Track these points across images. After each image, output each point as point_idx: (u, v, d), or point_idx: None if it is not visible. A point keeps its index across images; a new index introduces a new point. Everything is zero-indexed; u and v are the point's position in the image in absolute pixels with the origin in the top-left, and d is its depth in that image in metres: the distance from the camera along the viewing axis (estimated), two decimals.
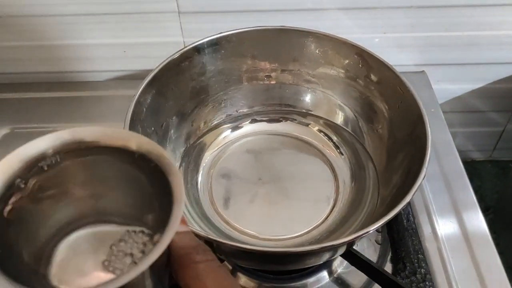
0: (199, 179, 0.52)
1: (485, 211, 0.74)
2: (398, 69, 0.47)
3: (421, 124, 0.43)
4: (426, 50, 0.65)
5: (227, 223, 0.48)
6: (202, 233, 0.35)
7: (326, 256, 0.41)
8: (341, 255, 0.45)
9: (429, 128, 0.42)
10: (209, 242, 0.35)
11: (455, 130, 0.75)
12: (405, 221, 0.50)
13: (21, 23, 0.61)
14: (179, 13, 0.60)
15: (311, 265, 0.46)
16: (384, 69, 0.48)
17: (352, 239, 0.36)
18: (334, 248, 0.38)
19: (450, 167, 0.57)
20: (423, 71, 0.68)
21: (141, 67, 0.67)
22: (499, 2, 0.60)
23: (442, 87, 0.69)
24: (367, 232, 0.36)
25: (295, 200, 0.50)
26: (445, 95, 0.71)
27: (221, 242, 0.35)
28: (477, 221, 0.52)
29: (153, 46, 0.64)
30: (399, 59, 0.66)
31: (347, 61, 0.51)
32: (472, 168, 0.79)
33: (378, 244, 0.50)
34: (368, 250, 0.50)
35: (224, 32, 0.50)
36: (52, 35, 0.63)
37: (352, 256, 0.45)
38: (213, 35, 0.50)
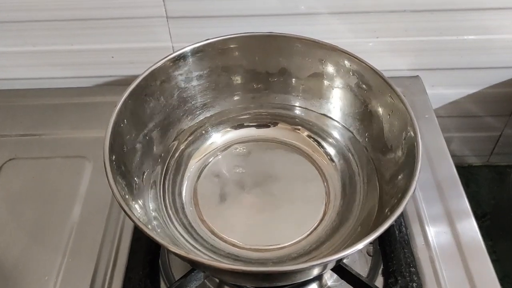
0: (184, 187, 0.50)
1: (482, 217, 0.73)
2: (392, 74, 0.46)
3: (412, 135, 0.42)
4: (420, 54, 0.64)
5: (212, 232, 0.47)
6: (182, 252, 0.34)
7: (314, 272, 0.40)
8: (331, 269, 0.44)
9: (420, 141, 0.40)
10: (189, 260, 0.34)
11: (451, 135, 0.74)
12: (397, 232, 0.49)
13: (4, 28, 0.60)
14: (167, 18, 0.59)
15: (298, 281, 0.45)
16: (375, 76, 0.47)
17: (342, 256, 0.35)
18: (323, 265, 0.37)
19: (444, 174, 0.55)
20: (418, 75, 0.66)
21: (130, 72, 0.66)
22: (494, 6, 0.58)
23: (437, 92, 0.68)
24: (356, 249, 0.34)
25: (283, 208, 0.49)
26: (440, 100, 0.70)
27: (199, 262, 0.34)
28: (471, 231, 0.50)
29: (141, 51, 0.63)
30: (393, 63, 0.65)
31: (336, 67, 0.50)
32: (468, 173, 0.78)
33: (370, 256, 0.49)
34: (360, 261, 0.49)
35: (210, 39, 0.49)
36: (38, 41, 0.62)
37: (342, 270, 0.44)
38: (198, 42, 0.49)
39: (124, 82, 0.66)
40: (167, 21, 0.59)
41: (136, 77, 0.46)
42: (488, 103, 0.70)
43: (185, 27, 0.60)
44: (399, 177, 0.43)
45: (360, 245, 0.35)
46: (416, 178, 0.38)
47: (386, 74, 0.46)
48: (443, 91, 0.69)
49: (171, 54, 0.47)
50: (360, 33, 0.62)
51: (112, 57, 0.63)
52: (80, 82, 0.67)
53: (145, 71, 0.46)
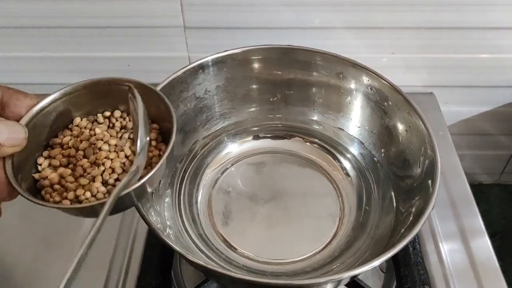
0: (199, 197, 0.50)
1: (492, 236, 0.72)
2: (406, 90, 0.46)
3: (430, 152, 0.42)
4: (434, 71, 0.64)
5: (226, 243, 0.47)
6: (200, 261, 0.34)
7: (328, 287, 0.39)
8: (345, 284, 0.43)
9: (439, 160, 0.40)
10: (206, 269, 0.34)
11: (462, 153, 0.74)
12: (411, 249, 0.49)
13: (23, 34, 0.61)
14: (184, 28, 0.59)
15: None
16: (393, 92, 0.47)
17: (359, 272, 0.35)
18: (338, 280, 0.37)
19: (458, 192, 0.55)
20: (432, 92, 0.66)
21: (145, 81, 0.65)
22: (509, 26, 0.59)
23: (451, 109, 0.68)
24: (373, 266, 0.34)
25: (297, 221, 0.49)
26: (454, 117, 0.70)
27: (218, 272, 0.33)
28: (485, 249, 0.50)
29: (157, 60, 0.63)
30: (407, 79, 0.65)
31: (355, 82, 0.50)
32: (479, 191, 0.78)
33: (383, 272, 0.49)
34: (373, 278, 0.48)
35: (229, 50, 0.49)
36: (55, 47, 0.62)
37: (356, 286, 0.43)
38: (219, 53, 0.49)
39: None
40: (185, 31, 0.60)
41: (153, 85, 0.46)
42: (500, 122, 0.70)
43: (201, 38, 0.61)
44: (416, 194, 0.43)
45: (376, 263, 0.35)
46: (434, 197, 0.38)
47: (401, 89, 0.46)
48: (456, 109, 0.69)
49: (192, 63, 0.47)
50: (375, 49, 0.62)
51: (128, 65, 0.64)
52: None
53: (165, 80, 0.46)
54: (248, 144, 0.55)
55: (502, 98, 0.67)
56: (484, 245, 0.50)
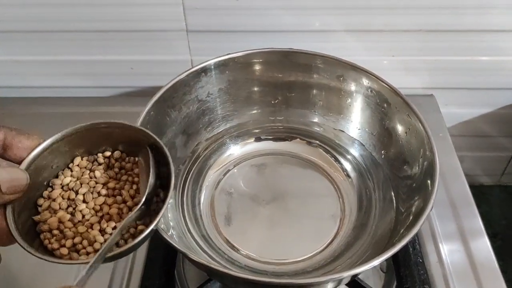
0: (202, 198, 0.51)
1: (493, 237, 0.73)
2: (406, 92, 0.47)
3: (429, 154, 0.42)
4: (434, 73, 0.65)
5: (229, 243, 0.47)
6: (203, 261, 0.34)
7: (329, 286, 0.40)
8: (345, 284, 0.44)
9: (437, 161, 0.41)
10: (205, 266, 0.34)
11: (463, 154, 0.74)
12: (411, 249, 0.49)
13: (26, 38, 0.61)
14: (187, 31, 0.60)
15: None
16: (392, 94, 0.47)
17: (359, 272, 0.35)
18: (338, 280, 0.38)
19: (458, 193, 0.56)
20: (432, 94, 0.67)
21: (148, 84, 0.67)
22: (508, 28, 0.59)
23: (451, 111, 0.68)
24: (372, 265, 0.35)
25: (299, 222, 0.49)
26: (454, 119, 0.70)
27: (221, 272, 0.34)
28: (485, 250, 0.50)
29: (160, 63, 0.64)
30: (407, 82, 0.66)
31: (355, 85, 0.50)
32: (480, 192, 0.78)
33: (383, 272, 0.49)
34: (373, 277, 0.49)
35: (231, 53, 0.50)
36: (59, 50, 0.63)
37: (356, 285, 0.44)
38: (221, 56, 0.49)
39: (142, 93, 0.67)
40: (187, 34, 0.60)
41: (156, 88, 0.47)
42: (500, 123, 0.70)
43: (204, 41, 0.61)
44: (415, 195, 0.44)
45: (376, 262, 0.36)
46: (433, 197, 0.39)
47: (400, 92, 0.47)
48: (456, 110, 0.69)
49: (195, 66, 0.48)
50: (375, 51, 0.62)
51: (131, 68, 0.64)
52: (98, 92, 0.68)
53: (168, 83, 0.47)
54: (250, 146, 0.56)
55: (502, 100, 0.68)
56: (483, 245, 0.51)
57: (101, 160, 0.37)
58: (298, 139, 0.56)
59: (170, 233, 0.44)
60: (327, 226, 0.49)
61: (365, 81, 0.49)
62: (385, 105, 0.49)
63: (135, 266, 0.48)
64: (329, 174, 0.53)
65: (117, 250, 0.31)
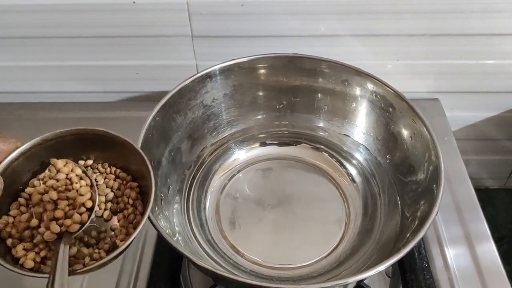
0: (207, 203, 0.51)
1: (499, 241, 0.73)
2: (411, 96, 0.47)
3: (434, 158, 0.42)
4: (440, 77, 0.65)
5: (234, 248, 0.47)
6: (209, 267, 0.34)
7: None
8: None
9: (442, 166, 0.41)
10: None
11: (468, 158, 0.74)
12: (416, 253, 0.49)
13: (33, 43, 0.62)
14: (192, 37, 0.60)
15: None
16: (397, 99, 0.47)
17: (365, 277, 0.35)
18: (344, 285, 0.38)
19: (463, 197, 0.56)
20: (437, 98, 0.67)
21: (153, 89, 0.67)
22: None
23: (456, 115, 0.68)
24: (378, 270, 0.35)
25: (304, 227, 0.49)
26: (459, 123, 0.70)
27: (225, 277, 0.34)
28: (490, 254, 0.50)
29: (166, 68, 0.64)
30: (412, 86, 0.66)
31: (360, 89, 0.50)
32: (486, 196, 0.78)
33: (389, 277, 0.49)
34: (379, 282, 0.49)
35: (236, 58, 0.50)
36: (65, 56, 0.63)
37: None
38: (226, 62, 0.50)
39: (147, 98, 0.67)
40: (192, 40, 0.61)
41: (161, 93, 0.47)
42: (506, 127, 0.70)
43: (209, 46, 0.61)
44: (421, 199, 0.43)
45: (381, 267, 0.36)
46: (438, 201, 0.39)
47: (405, 96, 0.47)
48: (461, 114, 0.69)
49: (200, 72, 0.48)
50: (380, 55, 0.62)
51: (137, 73, 0.65)
52: (104, 97, 0.68)
53: (174, 89, 0.47)
54: (255, 151, 0.56)
55: (507, 103, 0.67)
56: (489, 249, 0.51)
57: (78, 171, 0.36)
58: (303, 144, 0.56)
59: (175, 238, 0.44)
60: (332, 231, 0.49)
61: (370, 86, 0.49)
62: (390, 109, 0.49)
63: (141, 271, 0.48)
64: (334, 178, 0.53)
65: (91, 265, 0.32)
